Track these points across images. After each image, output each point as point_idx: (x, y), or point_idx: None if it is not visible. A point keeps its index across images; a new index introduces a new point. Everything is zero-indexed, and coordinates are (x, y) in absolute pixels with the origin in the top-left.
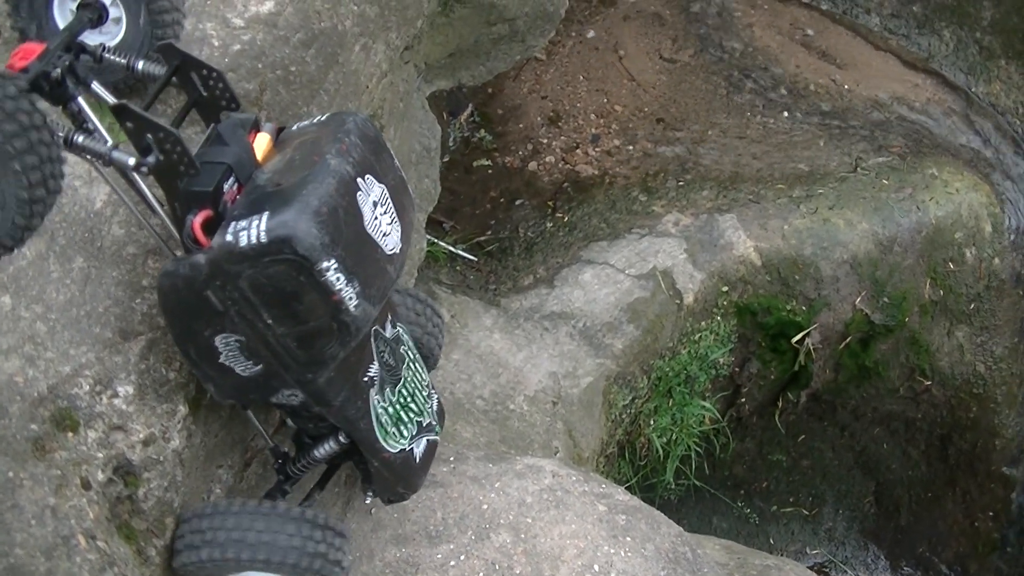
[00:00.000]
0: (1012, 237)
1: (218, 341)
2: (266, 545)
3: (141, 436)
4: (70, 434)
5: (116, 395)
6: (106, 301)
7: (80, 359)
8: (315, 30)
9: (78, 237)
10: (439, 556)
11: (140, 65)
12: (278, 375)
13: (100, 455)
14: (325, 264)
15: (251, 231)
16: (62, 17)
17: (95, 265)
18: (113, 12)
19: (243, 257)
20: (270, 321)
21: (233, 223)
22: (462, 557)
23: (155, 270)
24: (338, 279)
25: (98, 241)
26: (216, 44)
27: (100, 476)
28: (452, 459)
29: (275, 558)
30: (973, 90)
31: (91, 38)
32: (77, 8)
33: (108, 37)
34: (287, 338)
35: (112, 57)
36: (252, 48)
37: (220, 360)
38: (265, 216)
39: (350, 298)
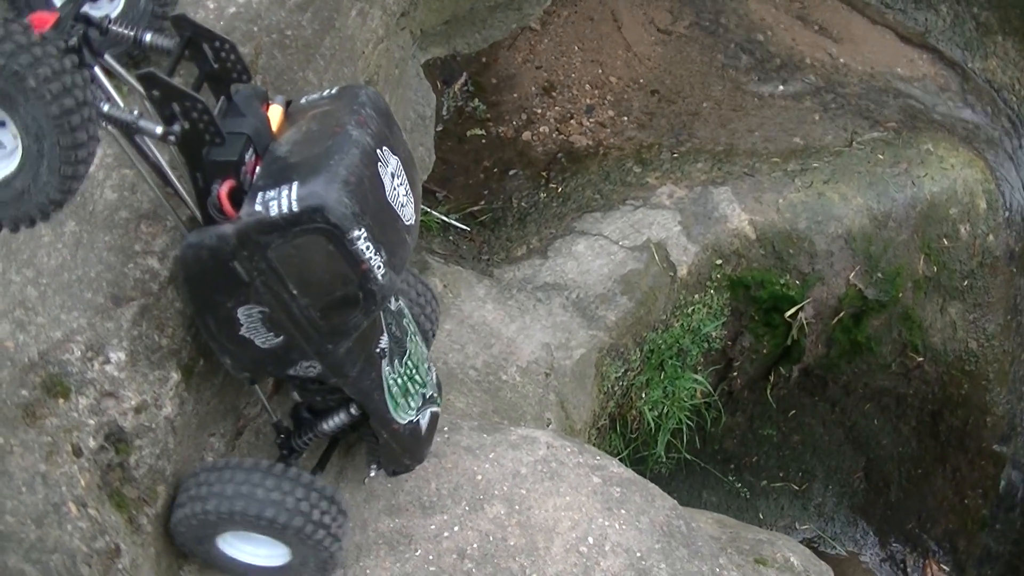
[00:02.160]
0: (1006, 214)
1: (240, 313)
2: (274, 504)
3: (133, 403)
4: (61, 400)
5: (108, 361)
6: (98, 266)
7: (71, 324)
8: None
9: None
10: (433, 527)
11: (148, 37)
12: (298, 347)
13: (91, 422)
14: (356, 233)
15: (281, 200)
16: None
17: (87, 229)
18: None
19: (273, 227)
20: (295, 291)
21: (260, 193)
22: (456, 528)
23: (148, 235)
24: (367, 248)
25: (90, 205)
26: (211, 6)
27: (91, 443)
28: (446, 429)
29: (280, 519)
30: (969, 66)
31: (91, 10)
32: None
33: (108, 8)
34: (311, 308)
35: (118, 29)
36: (248, 11)
37: (240, 332)
38: (295, 185)
39: (378, 267)
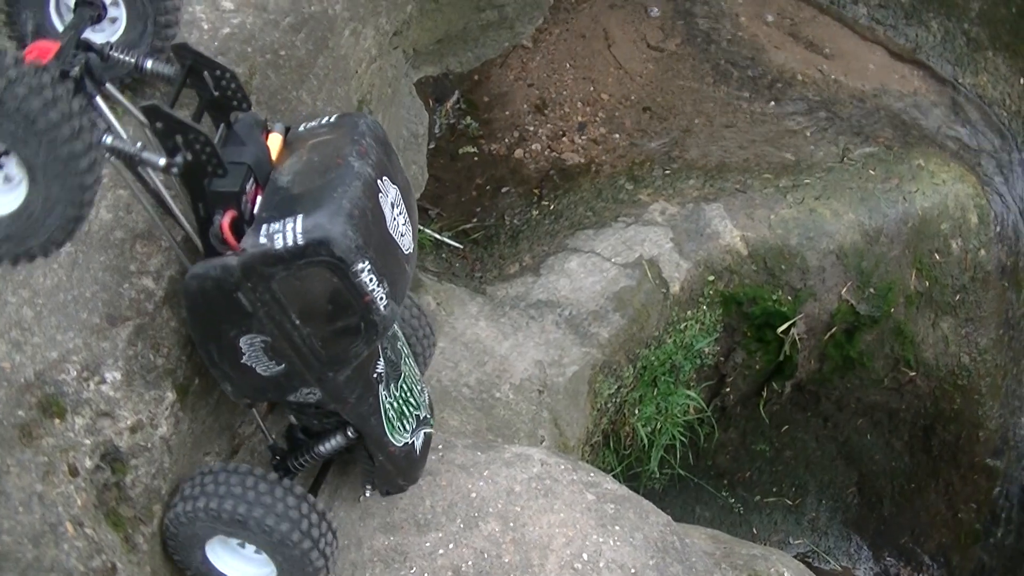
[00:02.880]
0: (998, 228)
1: (243, 342)
2: (265, 508)
3: (128, 423)
4: (57, 420)
5: (103, 381)
6: (93, 286)
7: (67, 345)
8: (305, 14)
9: None
10: (427, 544)
11: (149, 64)
12: (299, 374)
13: (87, 442)
14: (360, 266)
15: (286, 233)
16: (58, 16)
17: (82, 250)
18: (112, 11)
19: (278, 259)
20: (298, 322)
21: (264, 225)
22: (451, 545)
23: (143, 255)
24: (370, 280)
25: (85, 225)
26: (206, 27)
27: (87, 463)
28: (440, 447)
29: (268, 522)
30: (960, 81)
31: (92, 34)
32: (75, 6)
33: (107, 35)
34: (313, 338)
35: (118, 55)
36: (242, 32)
37: (242, 361)
38: (299, 218)
39: (380, 298)
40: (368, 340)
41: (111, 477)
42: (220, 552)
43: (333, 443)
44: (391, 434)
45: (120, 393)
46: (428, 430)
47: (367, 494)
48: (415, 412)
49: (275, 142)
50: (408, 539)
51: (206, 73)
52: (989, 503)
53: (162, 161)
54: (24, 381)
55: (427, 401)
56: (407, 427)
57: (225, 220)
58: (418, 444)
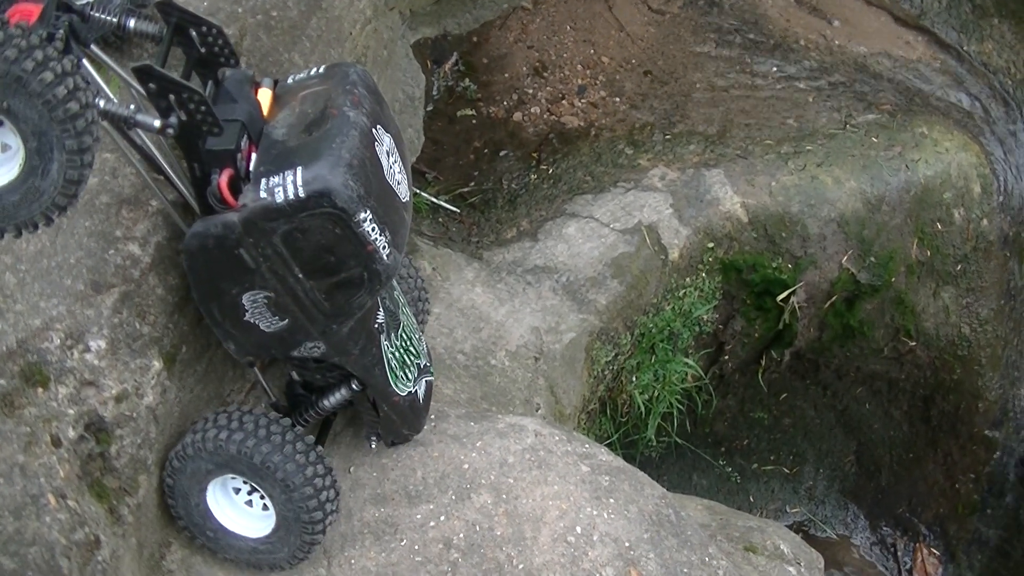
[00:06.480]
0: (1001, 198)
1: (245, 299)
2: (273, 446)
3: (113, 392)
4: (40, 390)
5: (88, 350)
6: (78, 252)
7: (51, 312)
8: None
9: None
10: (419, 516)
11: (132, 23)
12: (303, 328)
13: (71, 411)
14: (362, 215)
15: (286, 186)
16: None
17: (67, 215)
18: None
19: (279, 213)
20: (301, 275)
21: (263, 179)
22: (442, 518)
23: (129, 220)
24: (372, 229)
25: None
26: None
27: (71, 433)
28: (433, 417)
29: (274, 458)
30: (965, 49)
31: None
32: None
33: None
34: (316, 291)
35: (100, 15)
36: None
37: (245, 318)
38: (298, 170)
39: (383, 247)
40: (371, 291)
41: (95, 447)
42: (220, 498)
43: (338, 396)
44: (395, 384)
45: (105, 362)
46: (429, 378)
47: (372, 446)
48: (416, 361)
49: (265, 97)
50: (399, 511)
51: (192, 30)
52: (987, 474)
53: (157, 123)
54: (6, 349)
55: (426, 350)
56: (409, 376)
57: (223, 179)
58: (420, 393)
